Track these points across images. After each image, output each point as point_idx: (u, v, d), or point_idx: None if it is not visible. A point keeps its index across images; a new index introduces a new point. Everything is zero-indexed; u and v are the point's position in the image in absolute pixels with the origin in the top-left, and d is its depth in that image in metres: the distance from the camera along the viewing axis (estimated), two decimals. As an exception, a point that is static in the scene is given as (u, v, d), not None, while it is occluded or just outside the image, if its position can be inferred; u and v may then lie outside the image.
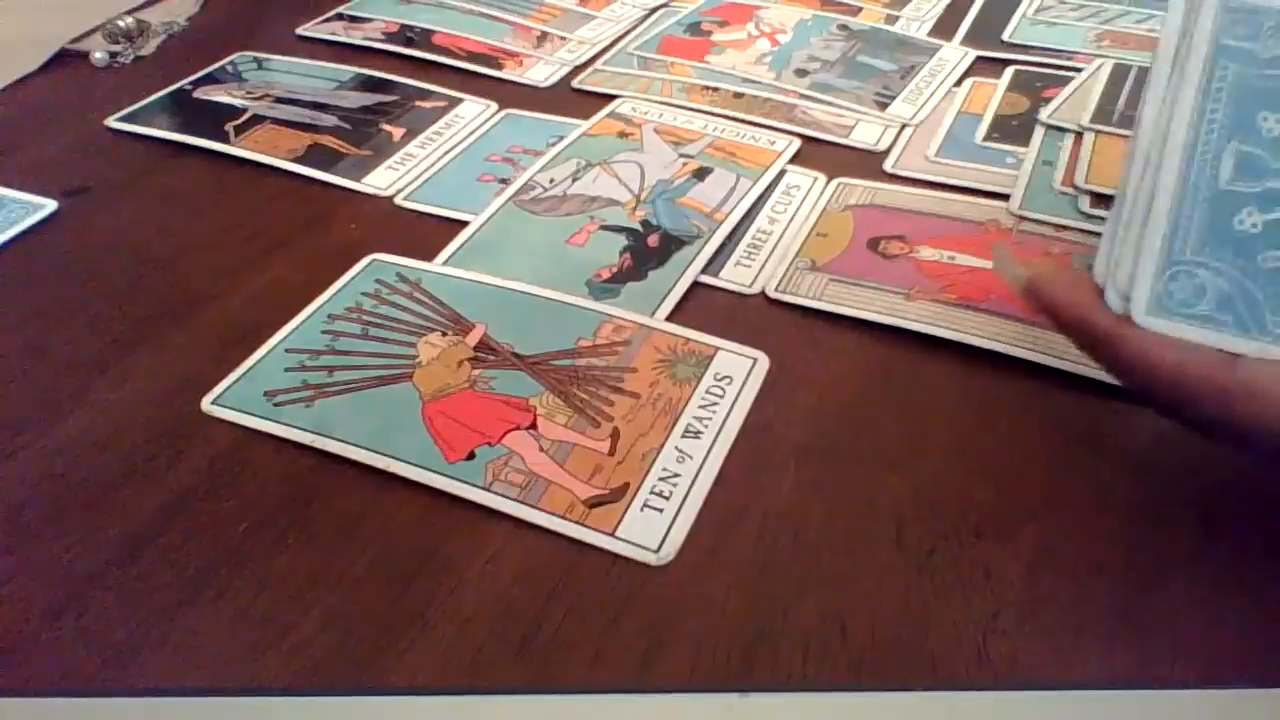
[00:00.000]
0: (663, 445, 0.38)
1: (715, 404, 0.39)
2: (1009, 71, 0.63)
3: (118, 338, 0.43)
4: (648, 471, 0.37)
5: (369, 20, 0.70)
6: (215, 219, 0.51)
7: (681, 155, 0.55)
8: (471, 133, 0.58)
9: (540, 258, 0.47)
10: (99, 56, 0.65)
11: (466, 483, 0.36)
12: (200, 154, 0.56)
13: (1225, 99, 0.32)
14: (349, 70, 0.64)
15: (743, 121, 0.58)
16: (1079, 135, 0.56)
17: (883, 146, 0.56)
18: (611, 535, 0.34)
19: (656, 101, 0.60)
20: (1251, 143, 0.31)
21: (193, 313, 0.45)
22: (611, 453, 0.37)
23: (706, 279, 0.46)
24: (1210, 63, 0.31)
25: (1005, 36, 0.68)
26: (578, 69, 0.65)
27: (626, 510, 0.35)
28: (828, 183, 0.53)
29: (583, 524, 0.35)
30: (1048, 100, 0.59)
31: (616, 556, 0.34)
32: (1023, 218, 0.50)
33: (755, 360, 0.42)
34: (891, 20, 0.71)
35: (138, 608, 0.32)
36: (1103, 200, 0.50)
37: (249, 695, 0.30)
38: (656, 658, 0.31)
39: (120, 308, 0.45)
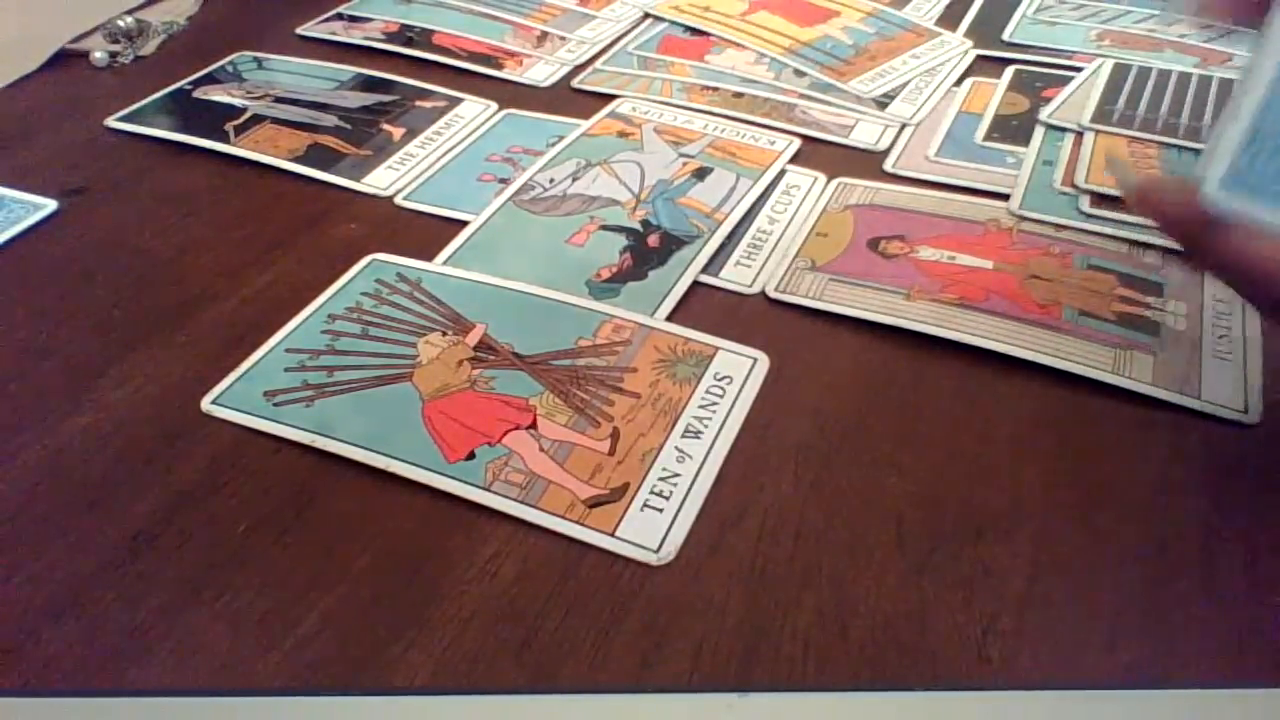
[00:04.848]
0: (663, 445, 0.38)
1: (715, 404, 0.39)
2: (1009, 71, 0.63)
3: (118, 338, 0.43)
4: (648, 471, 0.37)
5: (369, 20, 0.70)
6: (215, 219, 0.51)
7: (681, 155, 0.55)
8: (471, 133, 0.58)
9: (540, 258, 0.47)
10: (99, 56, 0.65)
11: (466, 483, 0.36)
12: (200, 154, 0.56)
13: None
14: (349, 70, 0.64)
15: (743, 121, 0.58)
16: (1079, 135, 0.56)
17: (883, 146, 0.56)
18: (611, 535, 0.34)
19: (656, 101, 0.60)
20: None
21: (193, 313, 0.45)
22: (611, 453, 0.37)
23: (706, 279, 0.46)
24: None
25: (1005, 36, 0.68)
26: (578, 69, 0.65)
27: (626, 510, 0.35)
28: (828, 183, 0.53)
29: (583, 524, 0.35)
30: (1048, 100, 0.59)
31: (616, 556, 0.34)
32: (1023, 217, 0.50)
33: (755, 360, 0.42)
34: (891, 20, 0.71)
35: (138, 608, 0.32)
36: (1103, 200, 0.50)
37: (249, 695, 0.30)
38: (656, 658, 0.31)
39: (120, 308, 0.45)
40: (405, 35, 0.68)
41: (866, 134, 0.58)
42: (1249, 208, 0.31)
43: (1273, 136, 0.31)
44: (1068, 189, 0.52)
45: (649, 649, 0.31)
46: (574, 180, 0.53)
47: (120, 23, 0.67)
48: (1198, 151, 0.53)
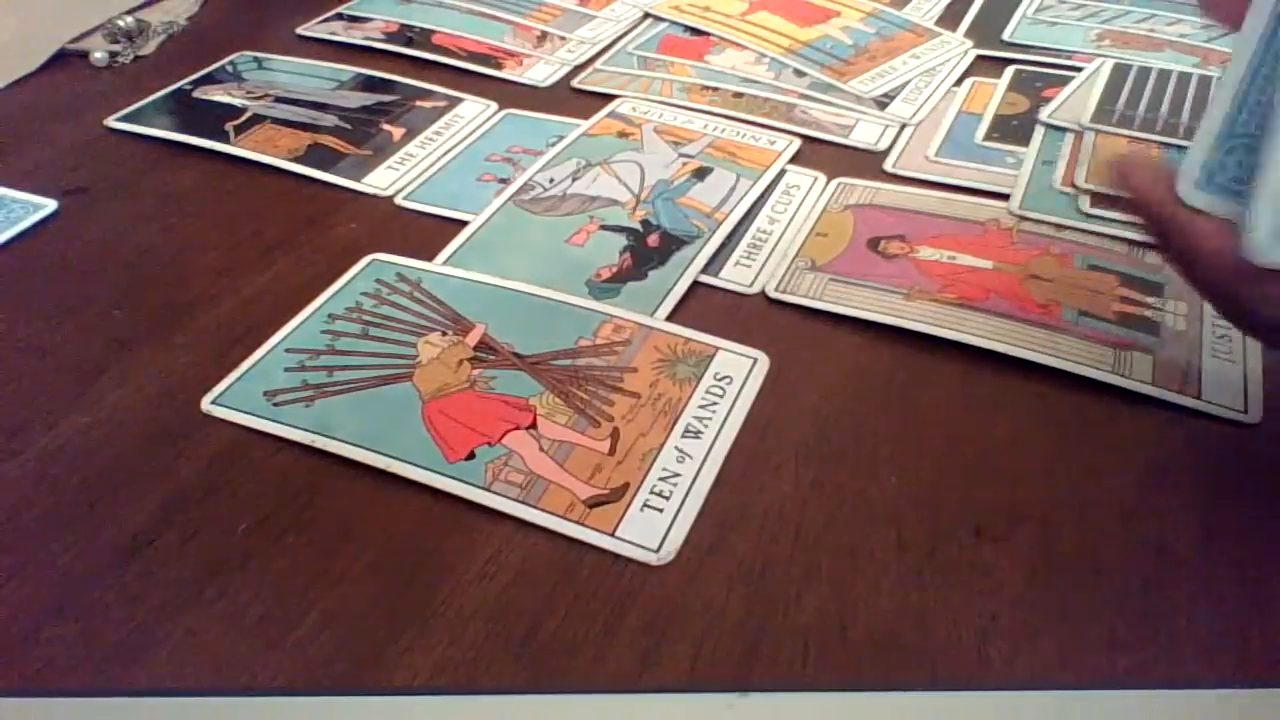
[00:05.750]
0: (663, 445, 0.38)
1: (715, 404, 0.39)
2: (1009, 71, 0.63)
3: (118, 338, 0.43)
4: (648, 471, 0.37)
5: (369, 20, 0.70)
6: (215, 219, 0.51)
7: (681, 155, 0.55)
8: (471, 133, 0.58)
9: (540, 258, 0.47)
10: (99, 56, 0.65)
11: (466, 483, 0.36)
12: (200, 154, 0.56)
13: None
14: (349, 70, 0.64)
15: (743, 121, 0.58)
16: (1079, 135, 0.56)
17: (883, 146, 0.56)
18: (611, 535, 0.34)
19: (656, 101, 0.60)
20: None
21: (193, 312, 0.45)
22: (611, 452, 0.37)
23: (706, 279, 0.46)
24: None
25: (1005, 36, 0.68)
26: (578, 69, 0.65)
27: (626, 510, 0.35)
28: (828, 183, 0.53)
29: (583, 524, 0.35)
30: (1048, 100, 0.59)
31: (616, 556, 0.34)
32: (1023, 217, 0.50)
33: (755, 360, 0.42)
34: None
35: (138, 608, 0.32)
36: (1103, 199, 0.50)
37: (249, 695, 0.30)
38: (656, 658, 0.31)
39: (120, 308, 0.45)
40: (405, 35, 0.68)
41: (866, 134, 0.58)
42: (1218, 206, 0.32)
43: (1241, 137, 0.31)
44: (1068, 189, 0.51)
45: (649, 649, 0.31)
46: (574, 180, 0.53)
47: (120, 23, 0.67)
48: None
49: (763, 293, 0.46)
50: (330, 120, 0.58)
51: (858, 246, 0.48)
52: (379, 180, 0.54)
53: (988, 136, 0.57)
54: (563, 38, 0.68)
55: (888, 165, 0.55)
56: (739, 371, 0.41)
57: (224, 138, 0.56)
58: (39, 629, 0.32)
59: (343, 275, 0.46)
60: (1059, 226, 0.49)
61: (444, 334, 0.43)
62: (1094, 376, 0.40)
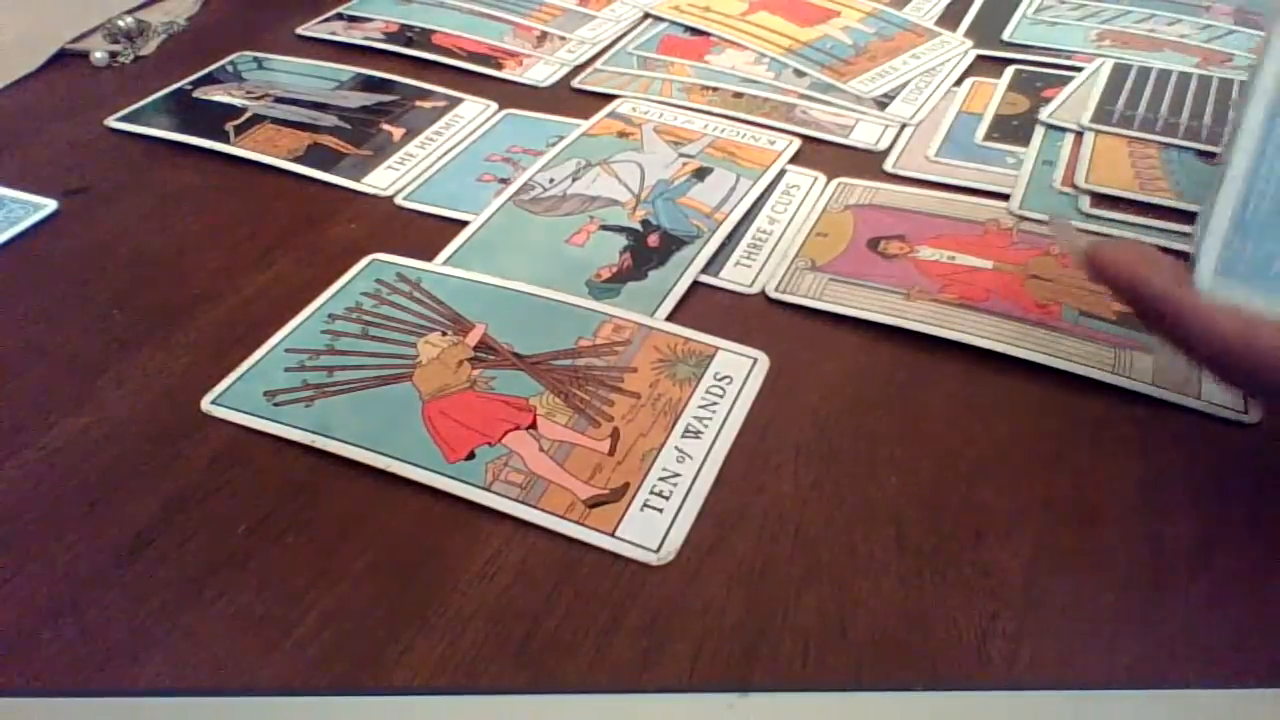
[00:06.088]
0: (663, 445, 0.38)
1: (715, 404, 0.39)
2: (1009, 71, 0.63)
3: (118, 338, 0.43)
4: (648, 471, 0.37)
5: (369, 20, 0.70)
6: (215, 219, 0.51)
7: (681, 155, 0.55)
8: (471, 133, 0.58)
9: (540, 258, 0.47)
10: (99, 56, 0.65)
11: (466, 483, 0.36)
12: (200, 154, 0.56)
13: None
14: (349, 70, 0.64)
15: (742, 121, 0.58)
16: (1079, 135, 0.56)
17: (883, 146, 0.56)
18: (611, 535, 0.34)
19: (656, 101, 0.60)
20: None
21: (193, 312, 0.45)
22: (611, 453, 0.37)
23: (706, 279, 0.46)
24: None
25: (1005, 36, 0.68)
26: (578, 69, 0.65)
27: (626, 510, 0.35)
28: (828, 183, 0.53)
29: (583, 524, 0.35)
30: (1048, 100, 0.59)
31: (616, 556, 0.34)
32: (1023, 217, 0.50)
33: (755, 360, 0.42)
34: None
35: (138, 608, 0.32)
36: (1102, 200, 0.50)
37: (249, 695, 0.30)
38: (656, 658, 0.31)
39: (120, 308, 0.45)
40: (405, 35, 0.68)
41: (866, 134, 0.58)
42: (1244, 295, 0.31)
43: (1256, 222, 0.31)
44: (1068, 189, 0.52)
45: (649, 649, 0.31)
46: (574, 180, 0.53)
47: (120, 23, 0.67)
48: (1197, 151, 0.54)
49: (763, 293, 0.46)
50: (330, 120, 0.58)
51: (858, 246, 0.48)
52: (379, 180, 0.54)
53: (988, 136, 0.57)
54: (563, 38, 0.68)
55: (888, 165, 0.55)
56: (739, 371, 0.41)
57: (224, 138, 0.56)
58: (39, 629, 0.32)
59: (343, 275, 0.46)
60: (1059, 226, 0.49)
61: (444, 334, 0.43)
62: (1094, 376, 0.40)
